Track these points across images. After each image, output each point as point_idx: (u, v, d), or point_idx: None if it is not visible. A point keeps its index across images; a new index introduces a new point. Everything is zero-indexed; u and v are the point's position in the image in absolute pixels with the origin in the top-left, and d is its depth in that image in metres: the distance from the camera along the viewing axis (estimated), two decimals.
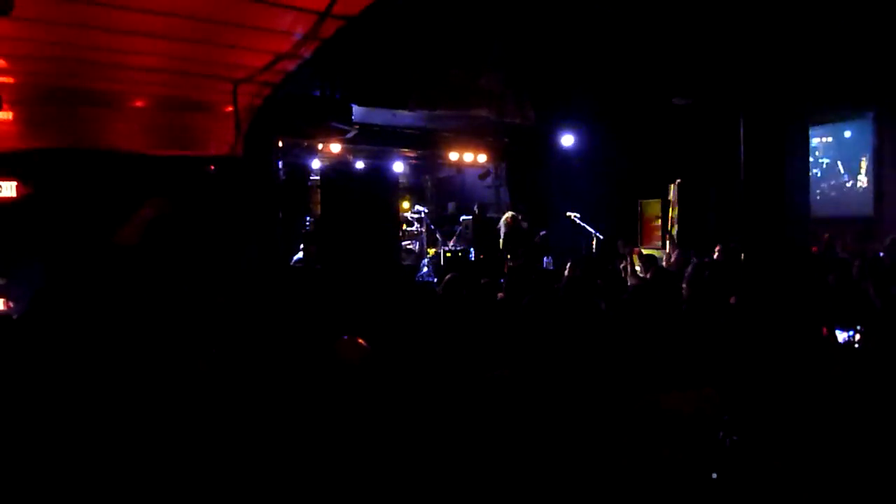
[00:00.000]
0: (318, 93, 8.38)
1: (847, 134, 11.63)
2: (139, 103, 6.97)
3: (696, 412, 1.61)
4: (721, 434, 1.91)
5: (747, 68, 8.59)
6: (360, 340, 2.81)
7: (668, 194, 10.84)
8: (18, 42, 5.29)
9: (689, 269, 5.79)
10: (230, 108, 6.89)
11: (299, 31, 5.19)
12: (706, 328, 3.58)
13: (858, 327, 2.83)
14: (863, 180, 11.42)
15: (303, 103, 7.80)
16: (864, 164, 11.35)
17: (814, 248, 7.41)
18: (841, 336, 2.82)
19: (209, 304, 5.17)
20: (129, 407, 2.63)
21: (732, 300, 4.17)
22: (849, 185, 11.68)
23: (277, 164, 9.09)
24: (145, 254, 4.24)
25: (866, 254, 6.75)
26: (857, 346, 2.81)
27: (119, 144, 7.49)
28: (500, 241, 10.39)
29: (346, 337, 2.81)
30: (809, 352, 2.10)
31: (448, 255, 10.68)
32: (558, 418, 2.19)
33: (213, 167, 8.82)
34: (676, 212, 10.69)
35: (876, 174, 11.15)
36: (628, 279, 7.68)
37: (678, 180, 10.66)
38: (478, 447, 2.14)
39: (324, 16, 4.84)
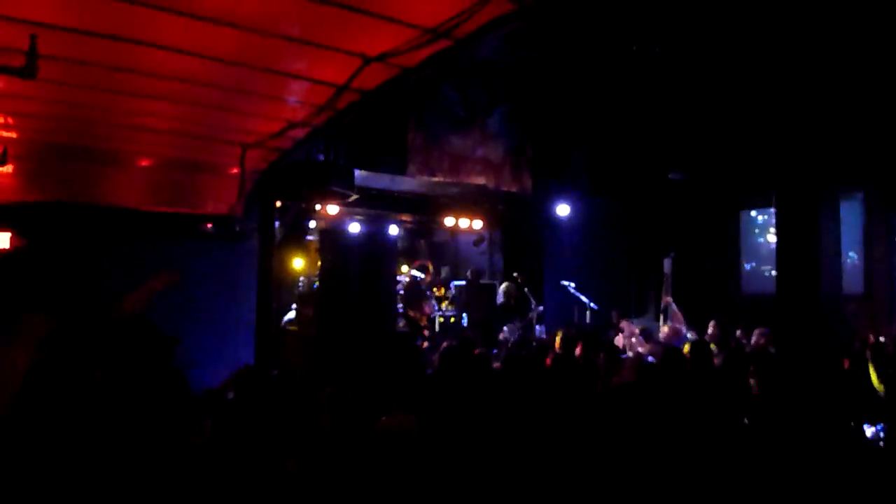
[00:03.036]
0: (321, 156, 8.53)
1: None
2: (146, 162, 7.05)
3: None
4: None
5: (748, 147, 8.91)
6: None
7: (661, 267, 10.99)
8: (30, 100, 5.35)
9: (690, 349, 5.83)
10: (236, 170, 6.98)
11: (315, 101, 5.32)
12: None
13: (883, 423, 2.85)
14: (853, 258, 11.66)
15: (307, 167, 7.92)
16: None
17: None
18: (868, 431, 2.84)
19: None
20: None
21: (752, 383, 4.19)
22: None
23: (275, 224, 9.16)
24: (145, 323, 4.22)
25: (865, 337, 6.84)
26: (881, 443, 2.83)
27: (119, 201, 7.54)
28: (498, 307, 10.43)
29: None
30: (840, 450, 2.13)
31: (441, 320, 10.68)
32: None
33: (210, 224, 8.87)
34: (670, 285, 10.82)
35: (866, 252, 11.40)
36: (627, 351, 7.74)
37: (672, 253, 10.84)
38: None
39: (342, 89, 4.98)
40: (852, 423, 2.72)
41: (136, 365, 4.03)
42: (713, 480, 2.79)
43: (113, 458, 2.90)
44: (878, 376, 4.94)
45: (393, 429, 3.15)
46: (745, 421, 3.51)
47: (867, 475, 2.37)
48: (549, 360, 6.05)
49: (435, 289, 11.42)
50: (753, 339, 7.44)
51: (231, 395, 4.61)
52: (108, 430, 3.06)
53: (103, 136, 6.32)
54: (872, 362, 5.26)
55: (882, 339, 7.08)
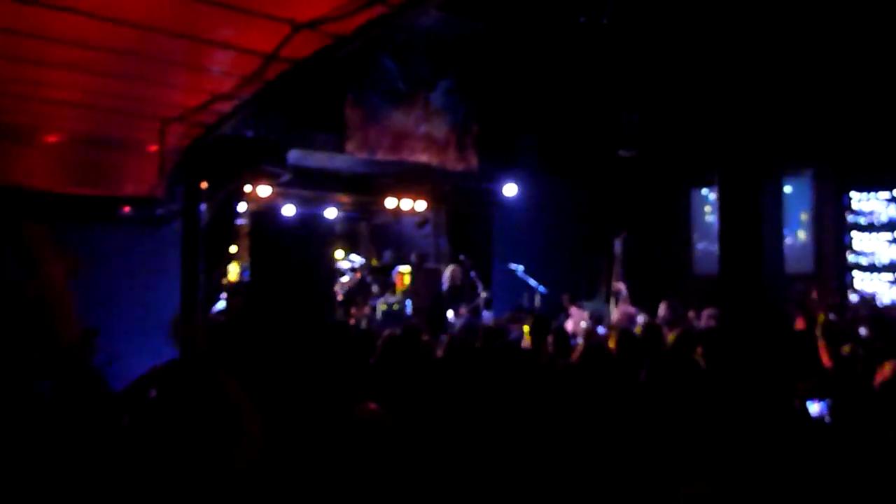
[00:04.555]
0: (250, 133, 8.30)
1: (787, 189, 12.30)
2: (53, 139, 6.69)
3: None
4: None
5: (698, 122, 9.05)
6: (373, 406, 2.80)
7: (612, 249, 11.16)
8: None
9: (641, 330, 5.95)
10: (155, 148, 6.70)
11: (241, 72, 5.12)
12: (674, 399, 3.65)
13: (829, 400, 2.94)
14: (802, 236, 12.06)
15: (235, 145, 7.70)
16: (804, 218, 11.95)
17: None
18: (814, 408, 2.91)
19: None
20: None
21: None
22: (788, 240, 12.31)
23: (200, 208, 8.89)
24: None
25: (812, 312, 7.05)
26: (828, 419, 2.91)
27: (24, 181, 7.16)
28: (442, 294, 10.38)
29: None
30: (785, 425, 2.18)
31: (384, 307, 10.60)
32: None
33: (128, 208, 8.56)
34: (620, 266, 11.00)
35: (815, 231, 11.80)
36: (578, 337, 7.82)
37: (623, 234, 11.01)
38: None
39: (270, 58, 4.80)
40: (796, 400, 2.79)
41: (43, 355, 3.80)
42: (662, 458, 2.83)
43: (20, 456, 2.73)
44: (828, 353, 5.11)
45: (367, 419, 3.04)
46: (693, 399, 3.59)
47: (811, 449, 2.43)
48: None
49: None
50: (703, 321, 7.60)
51: (153, 392, 4.43)
52: (13, 427, 2.88)
53: (3, 109, 5.97)
54: (822, 339, 5.44)
55: (832, 316, 7.33)
